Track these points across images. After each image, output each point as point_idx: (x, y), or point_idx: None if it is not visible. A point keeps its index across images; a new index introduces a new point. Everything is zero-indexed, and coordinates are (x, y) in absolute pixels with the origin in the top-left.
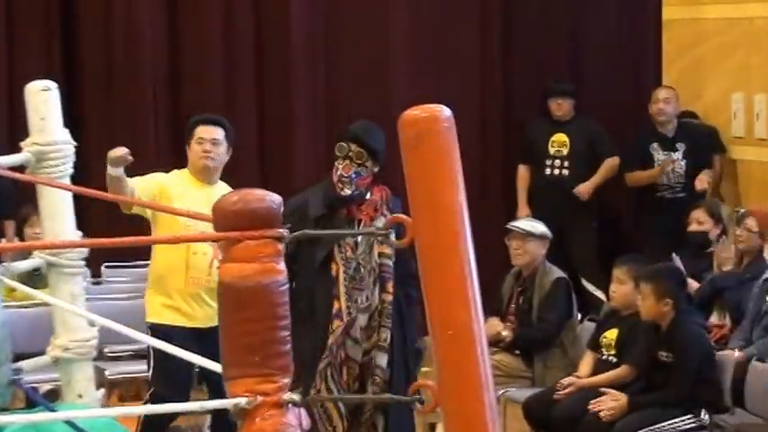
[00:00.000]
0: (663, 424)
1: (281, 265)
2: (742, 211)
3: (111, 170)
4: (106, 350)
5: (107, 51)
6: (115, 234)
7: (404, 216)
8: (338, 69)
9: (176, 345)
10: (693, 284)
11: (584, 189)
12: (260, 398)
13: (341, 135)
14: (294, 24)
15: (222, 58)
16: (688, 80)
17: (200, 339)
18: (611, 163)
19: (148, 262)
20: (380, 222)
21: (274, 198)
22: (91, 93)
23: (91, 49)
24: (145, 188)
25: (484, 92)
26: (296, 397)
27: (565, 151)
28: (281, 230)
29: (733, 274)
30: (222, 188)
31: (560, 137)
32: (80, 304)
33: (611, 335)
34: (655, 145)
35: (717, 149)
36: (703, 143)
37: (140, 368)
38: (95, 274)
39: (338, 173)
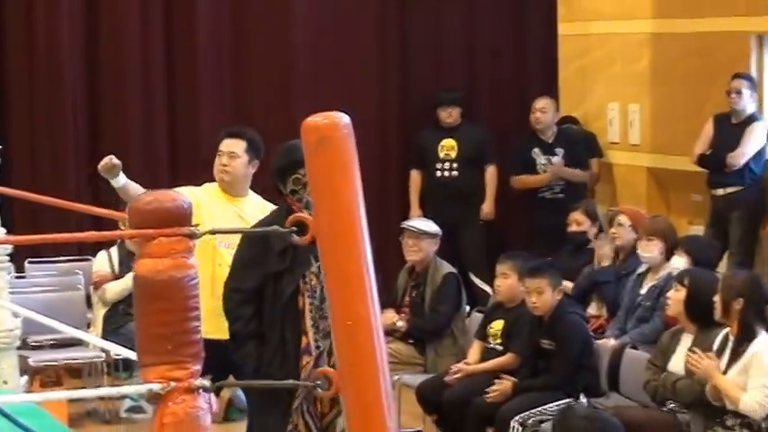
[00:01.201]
0: (545, 406)
1: (192, 261)
2: (615, 209)
3: (112, 183)
4: (29, 340)
5: (30, 63)
6: (38, 232)
7: (305, 215)
8: (245, 81)
9: (213, 355)
10: (567, 284)
11: (487, 209)
12: (172, 383)
13: (292, 166)
14: (201, 36)
15: (138, 64)
16: (571, 89)
17: (226, 350)
18: (492, 173)
19: (70, 258)
20: None
21: (185, 198)
22: (15, 101)
23: (15, 61)
24: None
25: (381, 101)
26: (206, 383)
27: (453, 155)
28: (191, 228)
29: (610, 269)
30: (252, 199)
31: (449, 142)
32: (4, 297)
33: (498, 325)
34: (536, 150)
35: (594, 154)
36: (581, 148)
37: (61, 356)
38: (19, 269)
39: (305, 200)
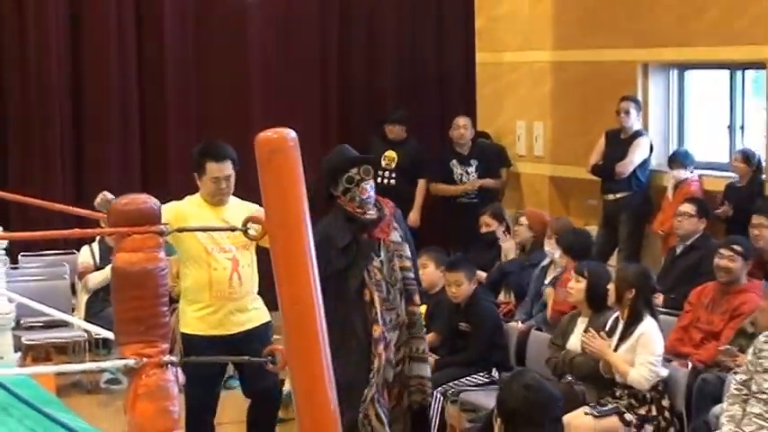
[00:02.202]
0: (462, 380)
1: (162, 254)
2: (521, 212)
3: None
4: (22, 321)
5: (21, 78)
6: (29, 229)
7: (259, 216)
8: (206, 99)
9: (206, 351)
10: (482, 274)
11: (413, 218)
12: (145, 359)
13: (353, 162)
14: (168, 63)
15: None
16: (485, 109)
17: (230, 343)
18: (422, 185)
19: (58, 251)
20: (395, 236)
21: (156, 201)
22: (12, 116)
23: (6, 76)
24: (168, 215)
25: (324, 117)
26: (174, 359)
27: (393, 165)
28: (161, 227)
29: (515, 261)
30: (232, 203)
31: (391, 153)
32: (1, 285)
33: (422, 309)
34: (454, 161)
35: (504, 164)
36: (493, 159)
37: (49, 336)
38: (13, 261)
39: (358, 198)
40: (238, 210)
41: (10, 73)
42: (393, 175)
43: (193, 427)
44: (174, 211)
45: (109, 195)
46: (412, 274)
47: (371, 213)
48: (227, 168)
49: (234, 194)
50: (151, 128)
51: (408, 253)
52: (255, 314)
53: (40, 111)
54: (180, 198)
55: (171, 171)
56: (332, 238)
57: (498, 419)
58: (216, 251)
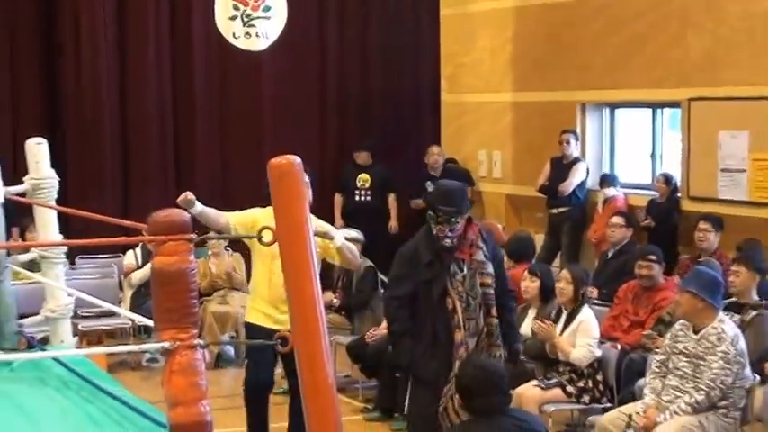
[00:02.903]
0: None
1: (192, 257)
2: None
3: (191, 212)
4: (79, 311)
5: (78, 115)
6: (85, 237)
7: (271, 226)
8: (227, 131)
9: (262, 339)
10: None
11: (393, 225)
12: (178, 342)
13: (433, 208)
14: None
15: (155, 110)
16: (454, 140)
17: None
18: (393, 198)
19: (107, 255)
20: (479, 255)
21: (186, 215)
22: (70, 141)
23: (67, 112)
24: (240, 220)
25: (322, 145)
26: (202, 342)
27: (367, 185)
28: (191, 235)
29: None
30: None
31: (364, 176)
32: (62, 282)
33: None
34: (428, 182)
35: (469, 184)
36: (460, 180)
37: (101, 323)
38: (72, 262)
39: (435, 232)
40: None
41: (66, 108)
42: (368, 193)
43: (253, 400)
44: (251, 216)
45: (190, 195)
46: (491, 290)
47: (447, 243)
48: None
49: (248, 205)
50: (182, 152)
51: (490, 270)
52: None
53: (91, 139)
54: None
55: (199, 186)
56: (419, 252)
57: (457, 394)
58: (276, 259)
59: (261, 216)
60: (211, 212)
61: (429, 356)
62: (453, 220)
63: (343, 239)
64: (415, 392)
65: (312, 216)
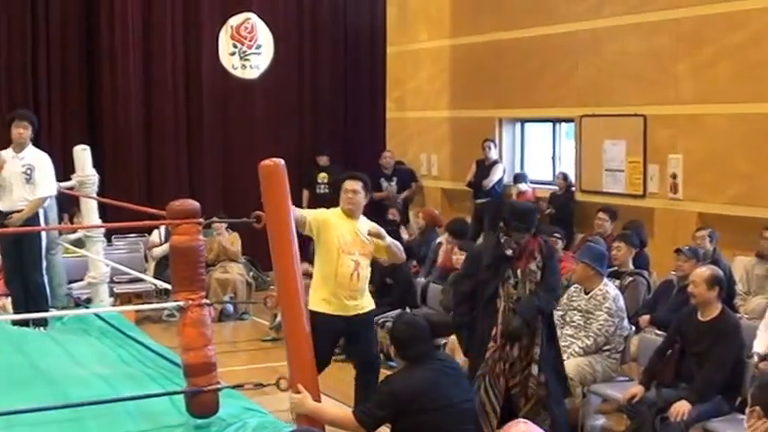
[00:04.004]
0: (386, 314)
1: (201, 237)
2: (418, 210)
3: None
4: (114, 278)
5: (113, 127)
6: (118, 222)
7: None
8: (229, 136)
9: (326, 325)
10: None
11: None
12: (190, 302)
13: (503, 218)
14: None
15: (171, 117)
16: (401, 147)
17: (346, 322)
18: None
19: (135, 234)
20: (533, 265)
21: (196, 204)
22: (106, 148)
23: (104, 125)
24: (316, 217)
25: (298, 151)
26: (208, 301)
27: (326, 181)
28: (201, 220)
29: (417, 239)
30: (362, 221)
31: (323, 174)
32: (101, 256)
33: None
34: (382, 179)
35: (414, 180)
36: (407, 177)
37: (131, 287)
38: (108, 241)
39: (501, 240)
40: (365, 224)
41: (104, 122)
42: (326, 188)
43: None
44: (324, 215)
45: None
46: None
47: (509, 252)
48: (355, 185)
49: (244, 193)
50: (194, 154)
51: (539, 278)
52: (364, 302)
53: (123, 146)
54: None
55: (206, 180)
56: (481, 255)
57: (392, 346)
58: (343, 253)
59: (329, 214)
60: (294, 211)
61: (480, 348)
62: (522, 236)
63: (391, 240)
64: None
65: (365, 218)
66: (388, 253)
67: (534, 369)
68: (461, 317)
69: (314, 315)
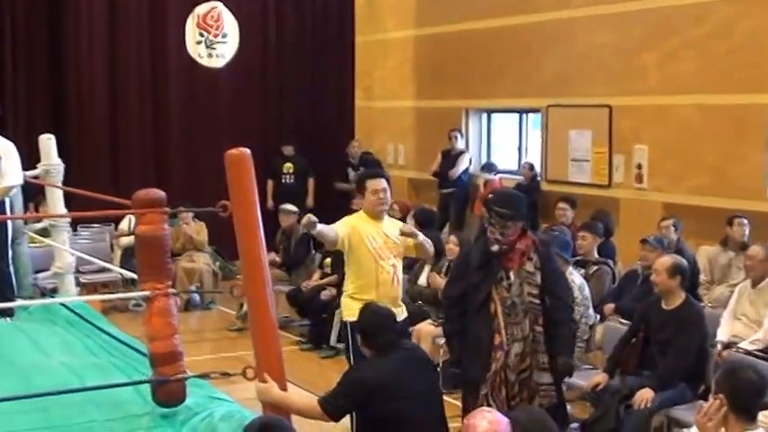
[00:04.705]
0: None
1: (166, 226)
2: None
3: (312, 232)
4: (80, 268)
5: (79, 116)
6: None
7: (404, 228)
8: (195, 124)
9: None
10: None
11: (310, 203)
12: (156, 291)
13: (489, 209)
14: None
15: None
16: (368, 137)
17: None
18: (312, 182)
19: (101, 224)
20: (529, 266)
21: (162, 193)
22: (72, 138)
23: (70, 115)
24: (344, 228)
25: (263, 140)
26: (174, 291)
27: (291, 171)
28: (166, 209)
29: None
30: (387, 221)
31: (288, 164)
32: (67, 245)
33: (328, 260)
34: (349, 168)
35: (383, 170)
36: (373, 167)
37: (97, 277)
38: (74, 230)
39: (488, 234)
40: (392, 225)
41: (69, 111)
42: (291, 178)
43: None
44: (351, 224)
45: (313, 218)
46: (537, 300)
47: (495, 248)
48: (384, 183)
49: (211, 183)
50: (160, 142)
51: (538, 281)
52: (401, 309)
53: (89, 135)
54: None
55: (173, 170)
56: (471, 256)
57: (360, 336)
58: (380, 260)
59: (355, 221)
60: (324, 229)
61: (473, 356)
62: (506, 224)
63: (422, 237)
64: (463, 391)
65: (394, 220)
66: (419, 251)
67: (544, 377)
68: (451, 323)
69: (353, 328)
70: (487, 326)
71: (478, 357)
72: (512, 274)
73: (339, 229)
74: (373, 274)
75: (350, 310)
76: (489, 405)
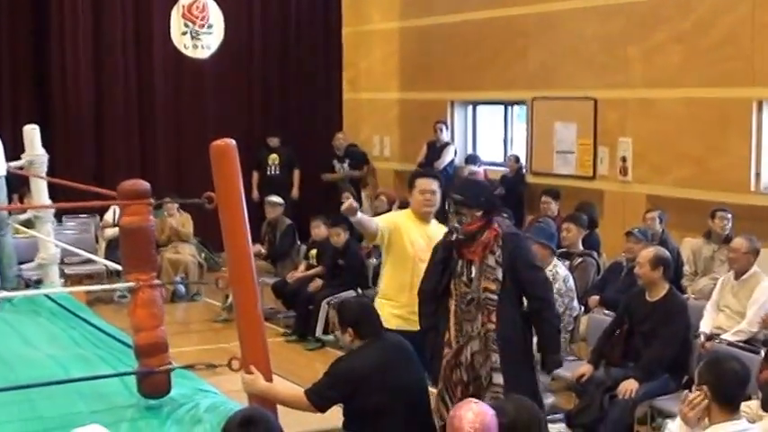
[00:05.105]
0: (340, 294)
1: (151, 217)
2: (379, 191)
3: (351, 219)
4: (65, 259)
5: (64, 107)
6: (68, 202)
7: (212, 193)
8: (182, 116)
9: (408, 343)
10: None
11: (295, 194)
12: (141, 282)
13: (447, 195)
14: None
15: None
16: (354, 128)
17: (415, 338)
18: (297, 173)
19: (86, 215)
20: (490, 260)
21: (146, 184)
22: (56, 128)
23: (55, 106)
24: (386, 223)
25: (249, 131)
26: (159, 282)
27: (277, 162)
28: (151, 200)
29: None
30: (434, 224)
31: (273, 156)
32: (51, 236)
33: (314, 252)
34: (335, 160)
35: (366, 163)
36: (359, 159)
37: (82, 268)
38: (59, 221)
39: (449, 223)
40: (439, 229)
41: (54, 103)
42: (277, 169)
43: None
44: (394, 220)
45: (354, 203)
46: (494, 296)
47: (451, 236)
48: (434, 184)
49: (197, 177)
50: (145, 133)
51: (498, 276)
52: None
53: (74, 126)
54: None
55: (158, 161)
56: (437, 250)
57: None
58: (419, 261)
59: (399, 218)
60: (364, 218)
61: (437, 356)
62: (460, 210)
63: None
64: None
65: (435, 221)
66: None
67: (497, 377)
68: (426, 318)
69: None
70: (446, 322)
71: (440, 354)
72: (473, 269)
73: (381, 223)
74: (408, 275)
75: (384, 313)
76: (446, 405)
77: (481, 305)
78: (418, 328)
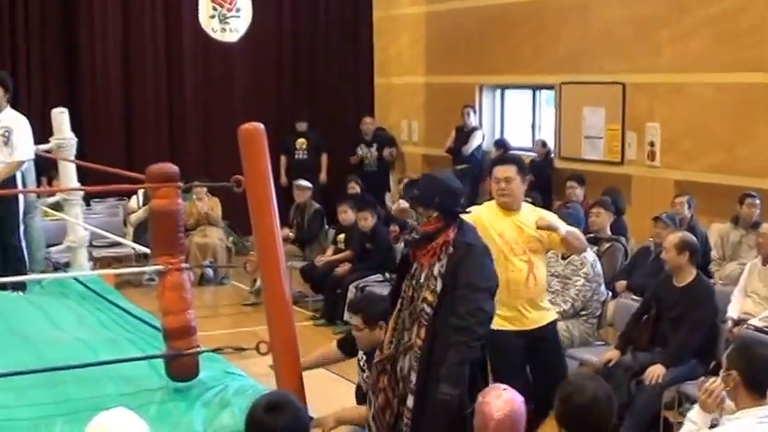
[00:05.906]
0: (367, 278)
1: (180, 200)
2: (405, 176)
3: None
4: (94, 242)
5: (92, 91)
6: (97, 185)
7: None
8: (210, 104)
9: (504, 344)
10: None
11: (323, 178)
12: (169, 266)
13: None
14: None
15: (151, 93)
16: (383, 112)
17: (526, 337)
18: (325, 157)
19: (115, 198)
20: (436, 269)
21: (175, 167)
22: (84, 112)
23: (84, 90)
24: (470, 220)
25: (279, 115)
26: (187, 265)
27: (305, 147)
28: (180, 183)
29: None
30: (525, 211)
31: (301, 140)
32: (80, 219)
33: (342, 236)
34: (362, 144)
35: (393, 145)
36: (387, 143)
37: (110, 251)
38: (87, 204)
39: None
40: (531, 214)
41: (84, 86)
42: (305, 153)
43: None
44: (475, 215)
45: (404, 204)
46: (429, 308)
47: (407, 236)
48: (509, 171)
49: (224, 161)
50: (175, 116)
51: (437, 288)
52: (547, 313)
53: (102, 109)
54: None
55: (186, 144)
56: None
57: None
58: (512, 255)
59: (482, 212)
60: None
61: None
62: (417, 209)
63: (567, 228)
64: None
65: (529, 206)
66: (566, 245)
67: (409, 400)
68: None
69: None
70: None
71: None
72: (422, 274)
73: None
74: (501, 272)
75: None
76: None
77: (416, 316)
78: (522, 327)
